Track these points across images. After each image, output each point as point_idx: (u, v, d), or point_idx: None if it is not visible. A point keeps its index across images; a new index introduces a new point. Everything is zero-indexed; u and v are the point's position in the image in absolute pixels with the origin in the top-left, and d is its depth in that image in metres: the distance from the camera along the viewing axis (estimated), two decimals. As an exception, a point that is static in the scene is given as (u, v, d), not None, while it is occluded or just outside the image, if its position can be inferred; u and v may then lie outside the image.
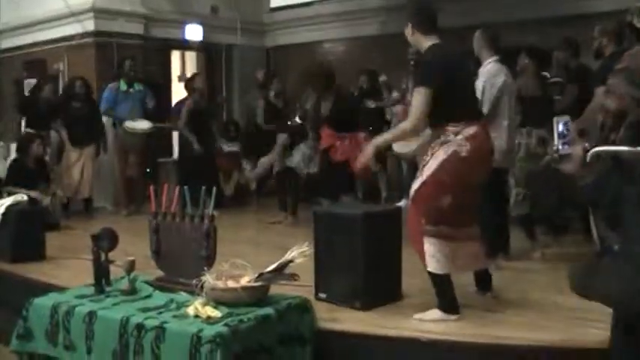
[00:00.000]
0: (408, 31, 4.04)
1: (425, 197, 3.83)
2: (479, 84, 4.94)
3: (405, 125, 3.96)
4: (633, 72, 2.18)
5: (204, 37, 10.84)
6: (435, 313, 3.87)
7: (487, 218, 5.04)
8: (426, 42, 3.99)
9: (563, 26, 7.71)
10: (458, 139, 3.79)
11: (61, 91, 9.36)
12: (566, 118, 2.35)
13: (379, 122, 8.44)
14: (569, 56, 6.16)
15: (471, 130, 3.83)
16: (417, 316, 3.91)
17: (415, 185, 3.88)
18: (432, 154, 3.85)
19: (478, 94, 4.77)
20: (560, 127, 2.30)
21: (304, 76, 6.96)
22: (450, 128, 3.82)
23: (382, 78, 9.02)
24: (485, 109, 4.88)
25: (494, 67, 5.18)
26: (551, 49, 6.34)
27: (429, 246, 3.80)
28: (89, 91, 8.56)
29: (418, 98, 3.82)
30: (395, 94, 8.73)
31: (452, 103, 3.83)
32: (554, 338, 3.52)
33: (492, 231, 5.14)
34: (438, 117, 3.85)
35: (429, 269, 3.84)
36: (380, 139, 4.16)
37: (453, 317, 3.85)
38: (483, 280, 4.27)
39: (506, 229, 5.45)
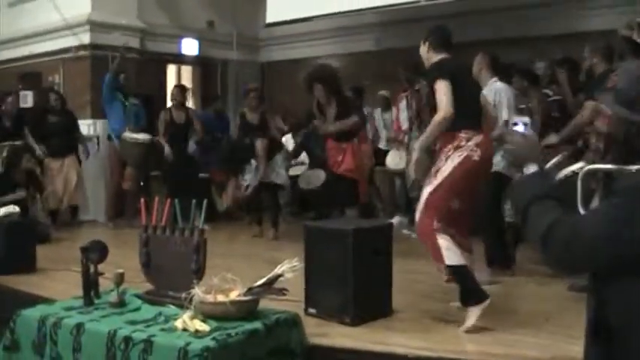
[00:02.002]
0: (424, 48, 4.38)
1: (439, 199, 3.99)
2: (489, 99, 5.03)
3: (439, 116, 4.08)
4: (620, 90, 2.17)
5: (200, 51, 10.88)
6: (472, 312, 3.92)
7: (490, 228, 5.20)
8: (436, 57, 4.31)
9: (554, 44, 7.77)
10: (470, 144, 4.03)
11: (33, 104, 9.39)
12: (526, 119, 2.34)
13: None
14: (569, 74, 6.20)
15: (479, 137, 4.07)
16: (463, 328, 3.91)
17: (429, 189, 4.04)
18: (446, 159, 4.04)
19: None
20: (521, 127, 2.30)
21: (313, 77, 6.82)
22: (463, 135, 4.06)
23: (383, 92, 9.02)
24: (505, 115, 5.23)
25: (500, 85, 5.49)
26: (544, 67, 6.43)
27: (443, 241, 3.94)
28: (64, 103, 8.59)
29: (441, 89, 4.06)
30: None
31: (464, 110, 4.05)
32: (544, 355, 3.52)
33: (493, 241, 5.27)
34: (452, 124, 4.06)
35: (448, 263, 3.93)
36: (423, 141, 4.22)
37: (486, 303, 3.92)
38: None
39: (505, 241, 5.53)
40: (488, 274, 5.07)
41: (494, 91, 5.40)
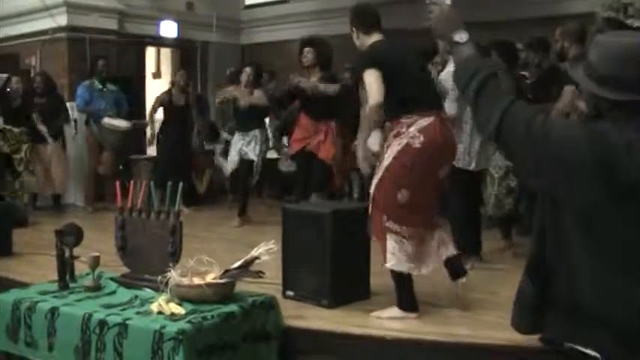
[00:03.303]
0: (355, 36, 4.12)
1: (383, 193, 3.80)
2: (447, 85, 4.97)
3: (368, 107, 3.88)
4: (590, 64, 2.14)
5: (179, 33, 10.78)
6: (394, 311, 3.89)
7: (461, 220, 5.09)
8: (369, 40, 4.04)
9: (534, 27, 7.76)
10: (411, 130, 3.76)
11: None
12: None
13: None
14: (540, 57, 6.20)
15: (424, 121, 3.78)
16: (375, 313, 3.92)
17: (374, 182, 3.87)
18: (387, 148, 3.83)
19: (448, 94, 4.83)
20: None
21: (306, 41, 6.82)
22: (404, 120, 3.81)
23: None
24: (449, 111, 4.80)
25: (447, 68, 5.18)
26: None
27: (391, 242, 3.78)
28: (51, 85, 8.48)
29: (369, 79, 3.83)
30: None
31: (403, 94, 3.82)
32: (517, 336, 3.53)
33: (466, 232, 5.19)
34: (391, 109, 3.84)
35: (387, 265, 3.82)
36: (361, 135, 4.08)
37: (412, 315, 3.86)
38: (454, 267, 4.12)
39: (479, 231, 5.48)
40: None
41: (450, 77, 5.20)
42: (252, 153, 7.36)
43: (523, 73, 6.46)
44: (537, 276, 2.18)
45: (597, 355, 2.10)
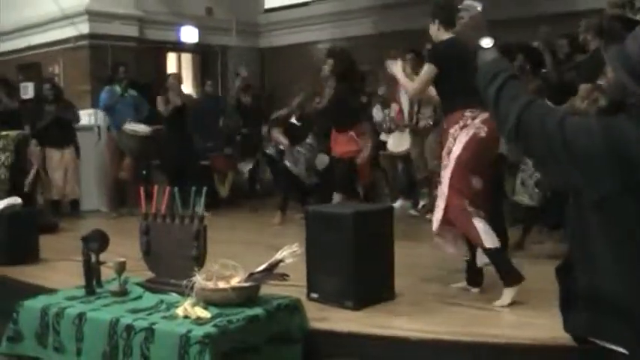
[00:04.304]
0: (434, 27, 4.39)
1: (459, 180, 4.04)
2: None
3: (410, 85, 4.46)
4: (628, 56, 2.11)
5: (199, 38, 10.84)
6: (509, 292, 4.00)
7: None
8: (444, 36, 4.33)
9: (554, 24, 7.71)
10: (476, 122, 4.07)
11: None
12: (477, 4, 2.37)
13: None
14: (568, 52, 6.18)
15: (485, 114, 4.03)
16: (498, 302, 4.00)
17: (446, 172, 4.09)
18: (455, 139, 4.10)
19: None
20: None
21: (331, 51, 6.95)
22: (468, 114, 4.10)
23: (380, 91, 8.95)
24: None
25: None
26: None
27: (480, 224, 3.99)
28: (59, 93, 8.56)
29: (425, 70, 4.24)
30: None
31: (467, 89, 3.93)
32: (544, 336, 3.52)
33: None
34: (456, 103, 4.15)
35: (487, 246, 3.98)
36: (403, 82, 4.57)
37: (521, 283, 4.01)
38: (475, 275, 4.31)
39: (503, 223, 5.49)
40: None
41: None
42: None
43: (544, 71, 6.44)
44: (566, 272, 2.20)
45: (625, 351, 2.09)
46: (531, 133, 2.05)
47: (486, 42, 2.22)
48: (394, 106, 8.16)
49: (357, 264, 4.07)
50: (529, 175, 5.61)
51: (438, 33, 4.35)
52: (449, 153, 4.11)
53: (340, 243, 4.09)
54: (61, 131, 8.37)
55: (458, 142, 4.08)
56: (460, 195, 4.04)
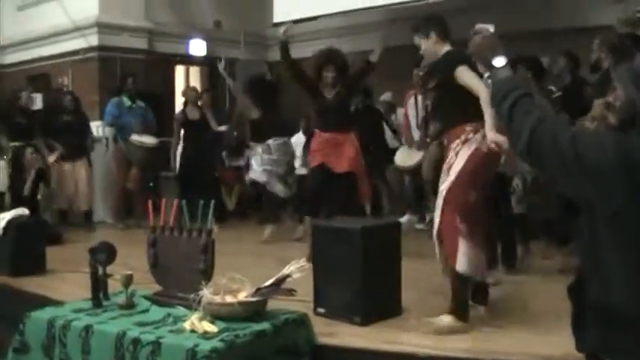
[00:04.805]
0: (431, 40, 4.23)
1: (457, 195, 3.94)
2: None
3: (486, 97, 3.85)
4: (638, 73, 2.11)
5: (207, 50, 10.88)
6: (447, 319, 3.90)
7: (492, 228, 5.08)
8: (443, 48, 4.22)
9: (562, 38, 7.71)
10: (478, 136, 3.97)
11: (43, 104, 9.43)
12: (489, 26, 2.37)
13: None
14: (568, 69, 6.16)
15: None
16: (428, 319, 3.93)
17: (445, 186, 3.98)
18: (457, 154, 4.00)
19: None
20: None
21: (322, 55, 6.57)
22: (468, 128, 4.00)
23: (385, 97, 8.97)
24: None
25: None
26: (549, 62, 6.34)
27: (462, 246, 3.89)
28: (78, 104, 8.61)
29: (466, 75, 3.96)
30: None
31: (469, 103, 3.96)
32: (555, 352, 3.49)
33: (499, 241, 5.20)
34: (458, 117, 4.04)
35: (457, 268, 3.89)
36: (490, 125, 3.92)
37: (462, 325, 3.89)
38: (481, 292, 4.26)
39: (513, 239, 5.46)
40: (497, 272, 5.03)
41: None
42: None
43: (551, 87, 6.43)
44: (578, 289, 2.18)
45: None
46: (544, 149, 2.04)
47: (499, 61, 2.22)
48: (400, 111, 8.19)
49: (365, 279, 4.05)
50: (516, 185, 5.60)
51: (436, 46, 4.24)
52: (449, 168, 4.01)
53: (348, 258, 4.08)
54: (75, 143, 8.40)
55: (460, 156, 3.99)
56: (454, 211, 3.93)
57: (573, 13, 8.17)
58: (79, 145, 8.49)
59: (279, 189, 7.55)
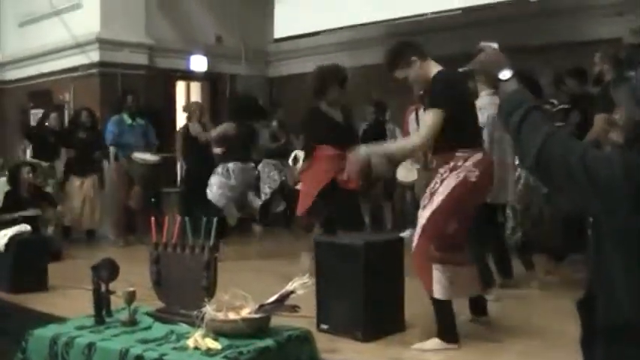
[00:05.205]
0: (415, 67, 4.03)
1: (437, 224, 3.84)
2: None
3: (414, 142, 3.99)
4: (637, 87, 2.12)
5: (208, 66, 10.92)
6: (435, 343, 3.86)
7: (483, 247, 5.06)
8: (431, 68, 4.03)
9: (561, 53, 7.74)
10: (468, 165, 3.83)
11: (67, 121, 9.49)
12: (495, 44, 2.38)
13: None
14: (576, 84, 6.16)
15: (479, 155, 3.89)
16: (416, 346, 3.89)
17: (426, 213, 3.87)
18: (442, 181, 3.86)
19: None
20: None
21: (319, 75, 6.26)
22: (459, 154, 3.86)
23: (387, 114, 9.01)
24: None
25: (480, 101, 5.11)
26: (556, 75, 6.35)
27: (437, 272, 3.82)
28: (95, 121, 8.65)
29: (432, 118, 3.84)
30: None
31: (461, 128, 3.88)
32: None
33: (492, 259, 5.17)
34: (448, 143, 3.87)
35: (435, 296, 3.84)
36: (380, 149, 4.03)
37: (453, 346, 3.83)
38: (479, 305, 4.25)
39: (506, 255, 5.45)
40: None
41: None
42: None
43: (552, 100, 6.45)
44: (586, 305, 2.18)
45: None
46: (553, 163, 2.04)
47: (505, 74, 2.22)
48: (404, 124, 8.23)
49: (368, 295, 4.05)
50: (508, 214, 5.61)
51: (424, 68, 4.02)
52: (432, 193, 3.88)
53: (351, 273, 4.08)
54: (87, 159, 8.44)
55: (445, 184, 3.84)
56: (429, 239, 3.84)
57: (574, 27, 8.20)
58: (89, 162, 8.54)
59: (231, 215, 7.58)
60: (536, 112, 2.13)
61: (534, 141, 2.06)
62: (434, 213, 3.84)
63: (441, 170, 3.90)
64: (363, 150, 3.97)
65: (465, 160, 3.84)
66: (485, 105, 5.08)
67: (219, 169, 7.47)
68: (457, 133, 3.84)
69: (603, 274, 2.08)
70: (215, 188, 7.38)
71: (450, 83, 3.94)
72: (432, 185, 3.93)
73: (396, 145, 4.01)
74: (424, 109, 6.70)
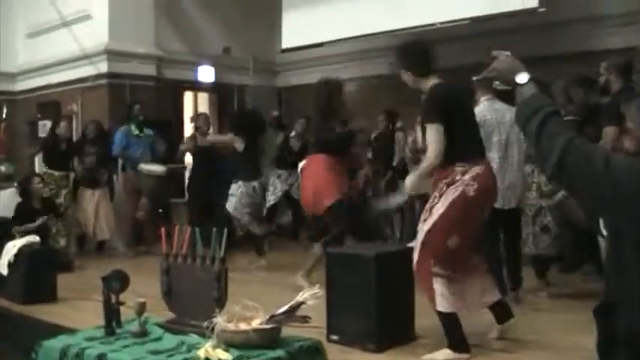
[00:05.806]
0: (408, 78, 4.04)
1: (435, 238, 3.82)
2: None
3: (429, 162, 3.90)
4: None
5: (216, 77, 10.94)
6: (446, 353, 3.84)
7: (500, 256, 5.05)
8: (427, 83, 3.99)
9: (570, 63, 7.72)
10: (466, 178, 3.80)
11: (78, 133, 9.53)
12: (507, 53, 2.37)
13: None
14: (586, 93, 6.12)
15: (477, 169, 3.85)
16: (427, 356, 3.87)
17: (425, 227, 3.86)
18: (440, 195, 3.84)
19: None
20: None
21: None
22: (457, 168, 3.83)
23: (398, 123, 9.00)
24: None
25: (479, 107, 5.13)
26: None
27: (438, 286, 3.80)
28: (102, 134, 8.66)
29: (433, 134, 3.82)
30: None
31: (459, 141, 3.84)
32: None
33: (508, 267, 5.16)
34: (445, 157, 3.84)
35: (438, 309, 3.82)
36: (413, 178, 4.08)
37: (464, 356, 3.81)
38: (501, 310, 4.17)
39: (518, 263, 5.43)
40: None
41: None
42: None
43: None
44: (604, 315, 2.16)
45: None
46: (575, 170, 2.02)
47: (522, 78, 2.20)
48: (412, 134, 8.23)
49: (379, 305, 4.04)
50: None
51: (416, 82, 4.02)
52: (431, 207, 3.87)
53: (362, 284, 4.07)
54: (96, 171, 8.48)
55: (444, 199, 3.82)
56: (429, 255, 3.83)
57: (582, 37, 8.19)
58: (98, 174, 8.57)
59: (256, 230, 7.59)
60: (555, 117, 2.11)
61: (555, 147, 2.03)
62: (433, 227, 3.83)
63: (440, 185, 3.88)
64: (409, 182, 4.06)
65: (464, 174, 3.82)
66: (484, 111, 5.09)
67: (243, 188, 7.37)
68: (454, 146, 3.82)
69: (623, 284, 2.06)
70: (237, 205, 7.32)
71: (441, 97, 3.92)
72: (431, 200, 3.92)
73: (420, 169, 3.98)
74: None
